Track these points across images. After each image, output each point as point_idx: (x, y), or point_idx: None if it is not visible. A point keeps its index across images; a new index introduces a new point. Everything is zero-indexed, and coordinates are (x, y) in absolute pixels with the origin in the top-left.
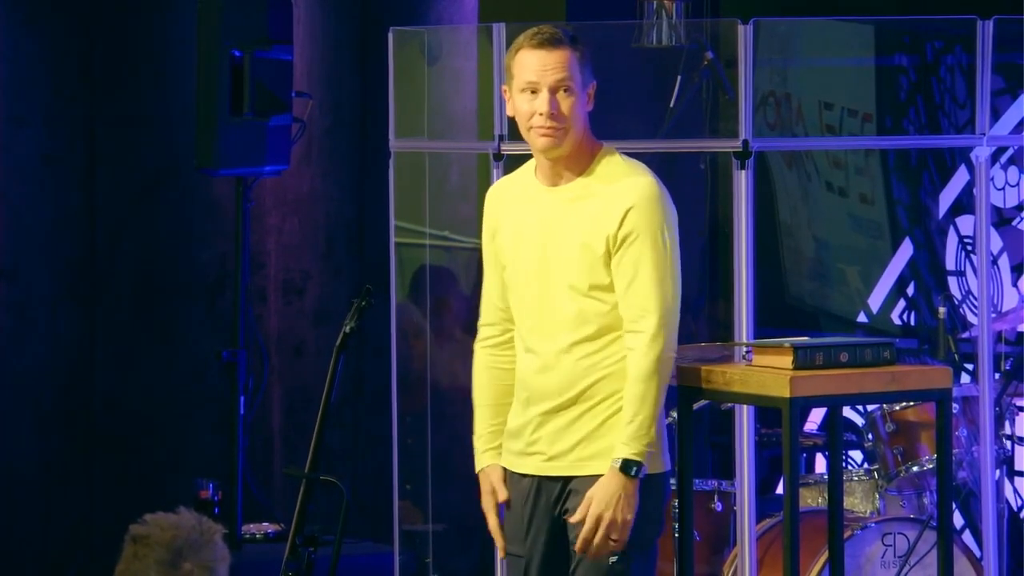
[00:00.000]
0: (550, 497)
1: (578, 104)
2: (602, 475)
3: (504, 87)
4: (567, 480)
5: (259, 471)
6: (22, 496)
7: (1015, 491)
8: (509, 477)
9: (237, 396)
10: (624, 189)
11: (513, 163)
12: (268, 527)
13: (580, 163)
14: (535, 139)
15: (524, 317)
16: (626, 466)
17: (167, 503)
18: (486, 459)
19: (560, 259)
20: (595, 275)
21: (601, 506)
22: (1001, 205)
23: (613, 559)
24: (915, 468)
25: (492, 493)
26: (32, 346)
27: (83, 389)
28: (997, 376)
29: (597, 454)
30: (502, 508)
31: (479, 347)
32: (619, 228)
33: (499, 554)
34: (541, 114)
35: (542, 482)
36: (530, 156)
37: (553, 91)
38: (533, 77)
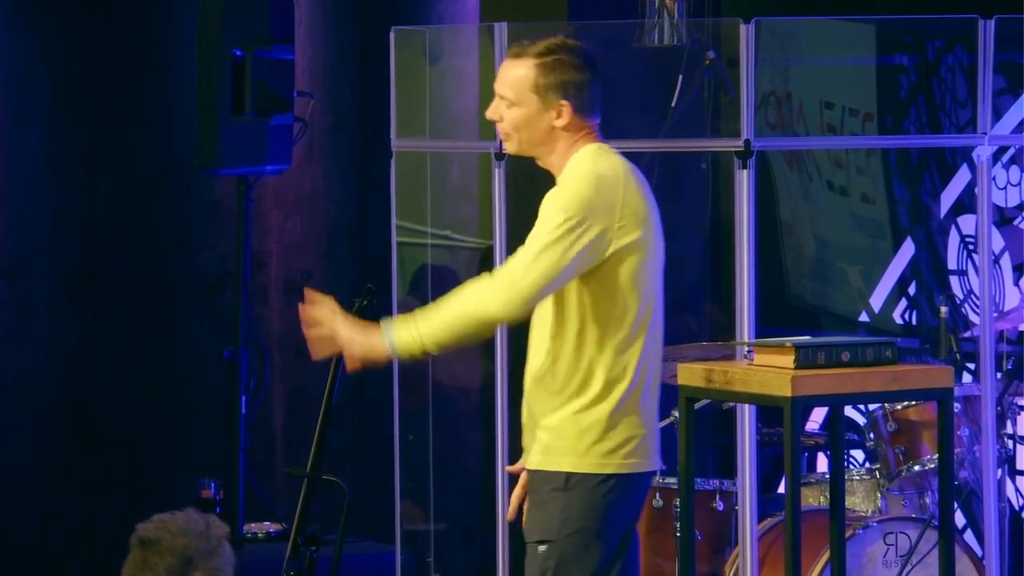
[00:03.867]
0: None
1: (526, 117)
2: (538, 470)
3: None
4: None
5: (261, 470)
6: (23, 496)
7: (1016, 490)
8: None
9: (238, 396)
10: (559, 184)
11: (514, 163)
12: (270, 526)
13: (558, 168)
14: None
15: None
16: (385, 326)
17: (168, 503)
18: None
19: None
20: None
21: (344, 335)
22: (1003, 204)
23: (542, 548)
24: (917, 467)
25: None
26: (33, 346)
27: (84, 389)
28: (999, 375)
29: (538, 448)
30: None
31: None
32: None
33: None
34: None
35: None
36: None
37: (502, 100)
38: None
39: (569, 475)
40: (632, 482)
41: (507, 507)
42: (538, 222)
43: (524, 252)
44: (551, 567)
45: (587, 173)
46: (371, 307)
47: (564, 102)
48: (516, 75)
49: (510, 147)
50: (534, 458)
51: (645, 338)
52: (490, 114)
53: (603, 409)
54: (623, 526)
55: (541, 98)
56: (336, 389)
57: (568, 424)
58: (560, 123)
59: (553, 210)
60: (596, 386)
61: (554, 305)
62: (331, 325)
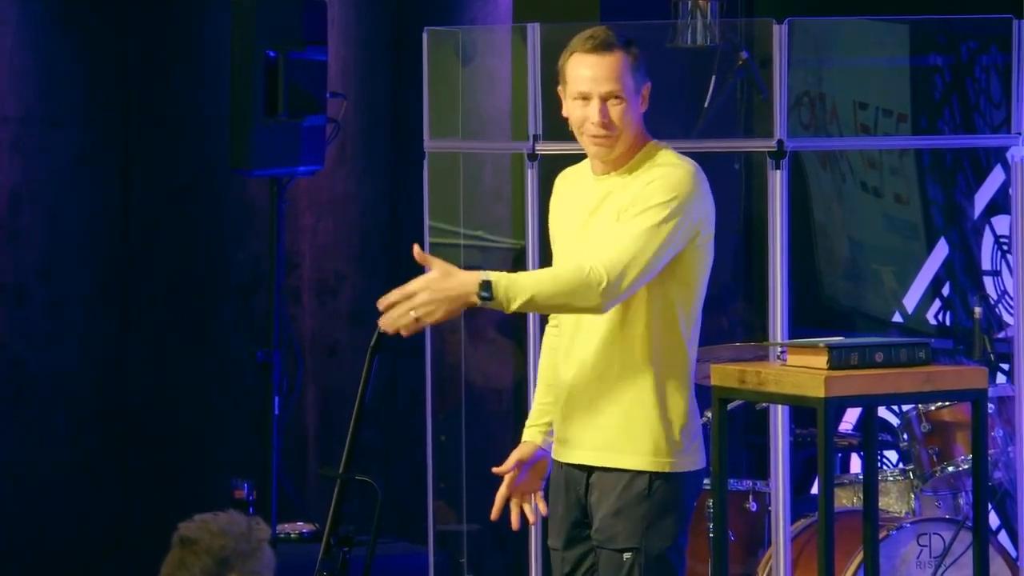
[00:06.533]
0: (577, 487)
1: (630, 109)
2: (618, 468)
3: (559, 88)
4: (591, 470)
5: (293, 471)
6: (57, 496)
7: None
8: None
9: (271, 396)
10: (654, 172)
11: (548, 163)
12: (303, 527)
13: (627, 157)
14: (588, 145)
15: None
16: (484, 283)
17: (202, 503)
18: (525, 435)
19: (595, 246)
20: None
21: (422, 284)
22: None
23: (627, 555)
24: (951, 468)
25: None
26: (67, 346)
27: (118, 389)
28: None
29: (613, 445)
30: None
31: (547, 328)
32: (636, 197)
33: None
34: (593, 123)
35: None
36: (566, 156)
37: (604, 99)
38: (584, 87)
39: (652, 476)
40: (701, 477)
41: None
42: (635, 216)
43: (623, 246)
44: (638, 574)
45: (680, 167)
46: None
47: (648, 84)
48: (618, 68)
49: (610, 150)
50: (598, 454)
51: (698, 334)
52: (603, 121)
53: (679, 406)
54: (690, 521)
55: (636, 85)
56: (369, 390)
57: (643, 422)
58: (644, 107)
59: (653, 206)
60: (669, 383)
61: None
62: (420, 285)
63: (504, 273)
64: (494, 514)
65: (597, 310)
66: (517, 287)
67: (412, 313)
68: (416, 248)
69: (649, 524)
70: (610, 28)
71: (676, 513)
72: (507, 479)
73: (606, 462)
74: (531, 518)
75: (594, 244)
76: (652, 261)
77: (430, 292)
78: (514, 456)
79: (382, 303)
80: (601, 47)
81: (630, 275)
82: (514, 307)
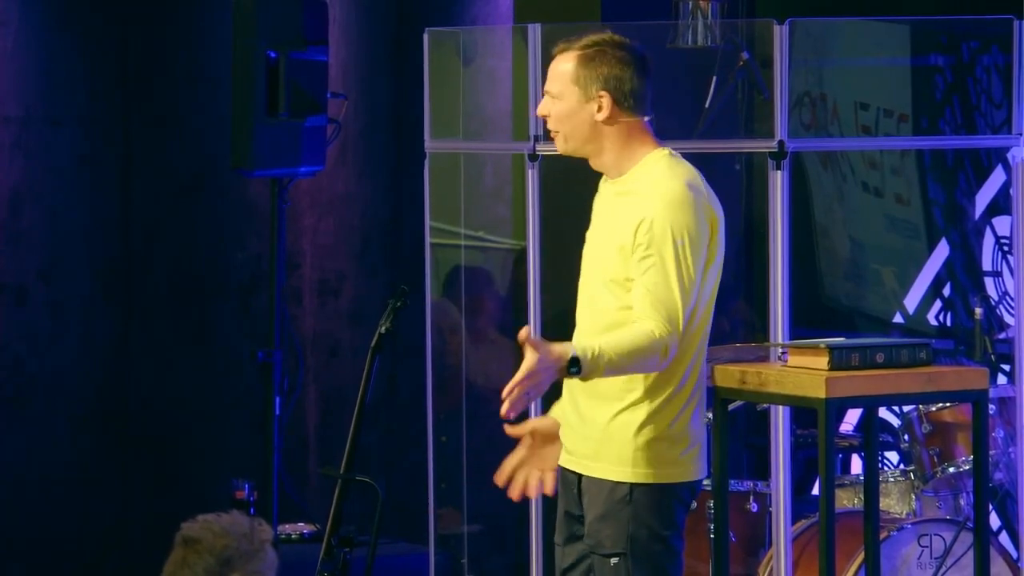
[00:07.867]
0: (571, 489)
1: (568, 110)
2: (598, 479)
3: None
4: (580, 476)
5: (294, 471)
6: (58, 496)
7: None
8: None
9: (272, 397)
10: (649, 195)
11: (548, 164)
12: (303, 527)
13: (620, 165)
14: None
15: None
16: (572, 361)
17: (202, 504)
18: (551, 412)
19: (599, 252)
20: (626, 270)
21: (529, 370)
22: None
23: (614, 560)
24: (951, 469)
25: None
26: (68, 347)
27: (118, 389)
28: None
29: (597, 455)
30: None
31: None
32: (636, 233)
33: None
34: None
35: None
36: (566, 157)
37: (549, 95)
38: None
39: (633, 487)
40: (694, 487)
41: (540, 510)
42: (657, 255)
43: (659, 294)
44: None
45: (682, 189)
46: (405, 308)
47: (603, 94)
48: (561, 69)
49: (559, 146)
50: (584, 462)
51: (706, 346)
52: (539, 110)
53: (668, 418)
54: (683, 529)
55: (582, 90)
56: (370, 390)
57: (631, 433)
58: (601, 116)
59: (670, 242)
60: (663, 395)
61: (618, 312)
62: (527, 371)
63: (589, 346)
64: (499, 479)
65: (667, 359)
66: (599, 363)
67: (526, 395)
68: (523, 332)
69: (635, 529)
70: (584, 35)
71: (663, 519)
72: (520, 445)
73: (591, 471)
74: (532, 492)
75: (603, 255)
76: (689, 300)
77: (537, 375)
78: (529, 424)
79: (506, 393)
80: (561, 50)
81: (681, 328)
82: (593, 377)
